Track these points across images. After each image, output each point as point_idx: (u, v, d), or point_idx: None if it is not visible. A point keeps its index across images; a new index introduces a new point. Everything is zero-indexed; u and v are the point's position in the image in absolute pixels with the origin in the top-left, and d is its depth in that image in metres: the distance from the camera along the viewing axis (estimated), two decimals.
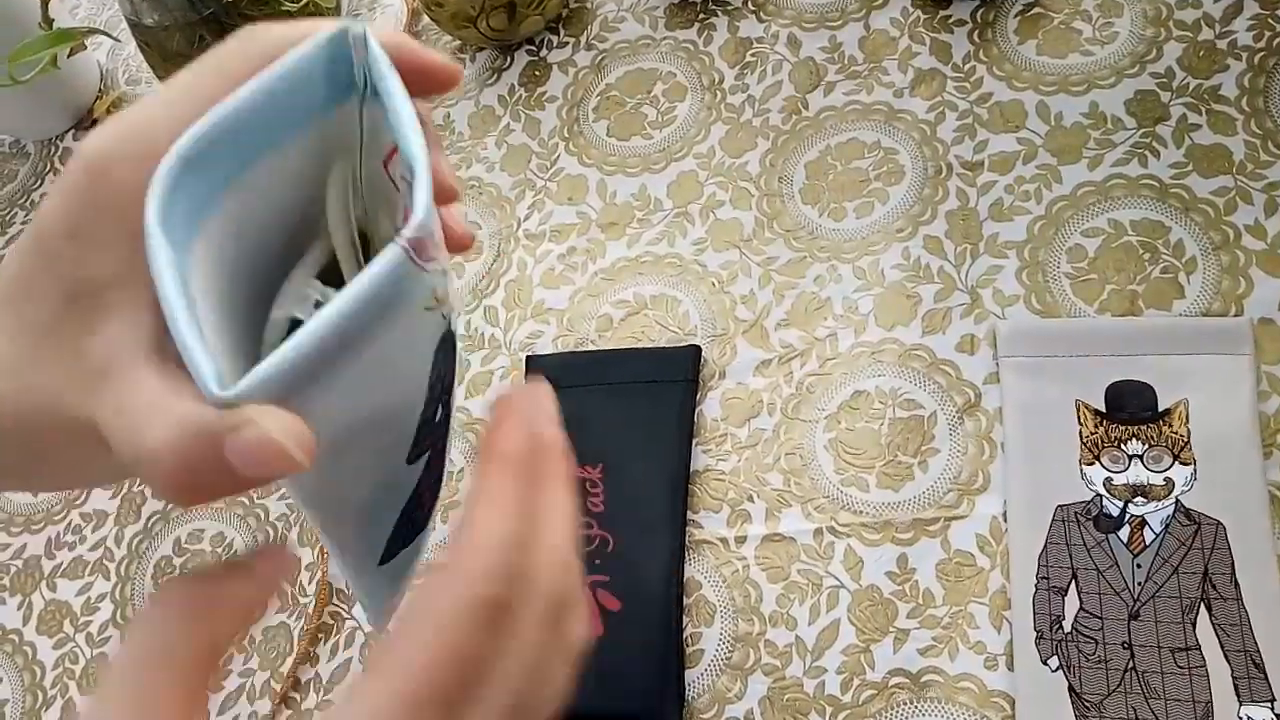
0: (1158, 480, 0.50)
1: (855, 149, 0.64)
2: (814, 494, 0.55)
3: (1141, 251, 0.55)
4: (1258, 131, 0.56)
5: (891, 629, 0.51)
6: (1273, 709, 0.45)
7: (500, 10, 0.71)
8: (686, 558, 0.56)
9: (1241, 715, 0.45)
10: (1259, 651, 0.46)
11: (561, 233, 0.68)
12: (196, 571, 0.25)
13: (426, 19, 0.78)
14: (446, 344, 0.27)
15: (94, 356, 0.23)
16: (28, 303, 0.24)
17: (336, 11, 0.78)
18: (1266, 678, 0.46)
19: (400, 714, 0.21)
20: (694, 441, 0.59)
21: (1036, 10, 0.64)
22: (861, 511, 0.54)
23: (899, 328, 0.58)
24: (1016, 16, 0.64)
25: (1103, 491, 0.50)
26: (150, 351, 0.22)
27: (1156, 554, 0.49)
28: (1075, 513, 0.50)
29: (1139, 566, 0.49)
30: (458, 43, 0.79)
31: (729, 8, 0.72)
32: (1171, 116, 0.58)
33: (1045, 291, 0.56)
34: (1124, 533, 0.50)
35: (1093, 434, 0.52)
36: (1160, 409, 0.51)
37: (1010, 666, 0.49)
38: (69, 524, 0.70)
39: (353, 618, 0.60)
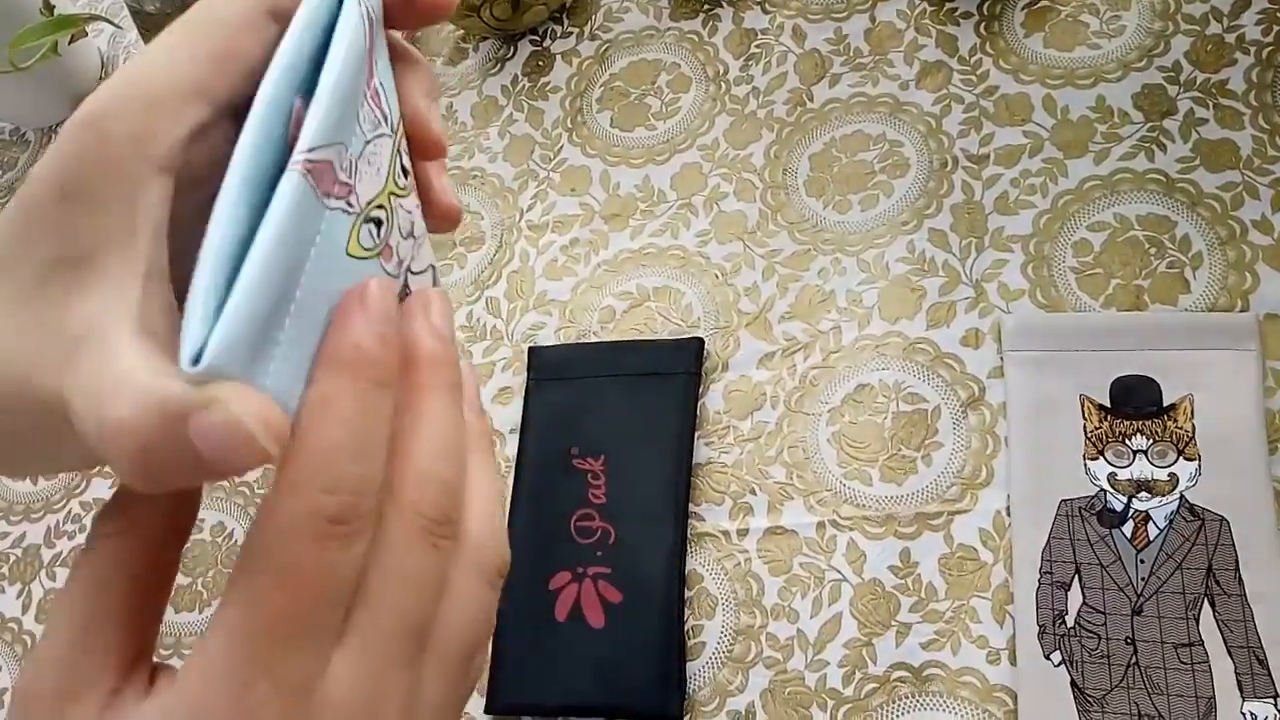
0: (1162, 475, 0.50)
1: (860, 141, 0.64)
2: (817, 487, 0.55)
3: (1147, 246, 0.55)
4: (1265, 126, 0.56)
5: (894, 623, 0.51)
6: (1275, 704, 0.45)
7: (504, 0, 0.71)
8: (688, 550, 0.56)
9: (1244, 711, 0.45)
10: (1262, 647, 0.46)
11: (564, 224, 0.68)
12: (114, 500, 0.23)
13: None
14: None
15: (73, 324, 0.21)
16: (5, 270, 0.22)
17: None
18: (1270, 673, 0.46)
19: (235, 647, 0.20)
20: (696, 434, 0.58)
21: (1043, 3, 0.64)
22: (864, 505, 0.54)
23: (903, 321, 0.58)
24: (1023, 9, 0.64)
25: (1107, 486, 0.50)
26: (135, 325, 0.21)
27: (1160, 549, 0.49)
28: (1079, 507, 0.50)
29: (1142, 562, 0.49)
30: (461, 32, 0.78)
31: None
32: (1179, 111, 0.58)
33: (1050, 285, 0.56)
34: (1128, 528, 0.49)
35: (1097, 429, 0.51)
36: (1165, 404, 0.51)
37: (1013, 661, 0.49)
38: (69, 513, 0.70)
39: None
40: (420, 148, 0.27)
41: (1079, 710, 0.47)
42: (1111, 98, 0.59)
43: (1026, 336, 0.54)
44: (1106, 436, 0.51)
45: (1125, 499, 0.50)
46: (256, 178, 0.21)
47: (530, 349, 0.64)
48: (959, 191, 0.60)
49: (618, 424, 0.59)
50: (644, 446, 0.58)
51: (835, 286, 0.60)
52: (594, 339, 0.63)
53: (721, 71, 0.70)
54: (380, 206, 0.24)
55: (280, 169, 0.21)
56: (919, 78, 0.64)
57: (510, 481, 0.60)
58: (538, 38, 0.76)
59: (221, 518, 0.66)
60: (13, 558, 0.70)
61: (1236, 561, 0.48)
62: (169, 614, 0.64)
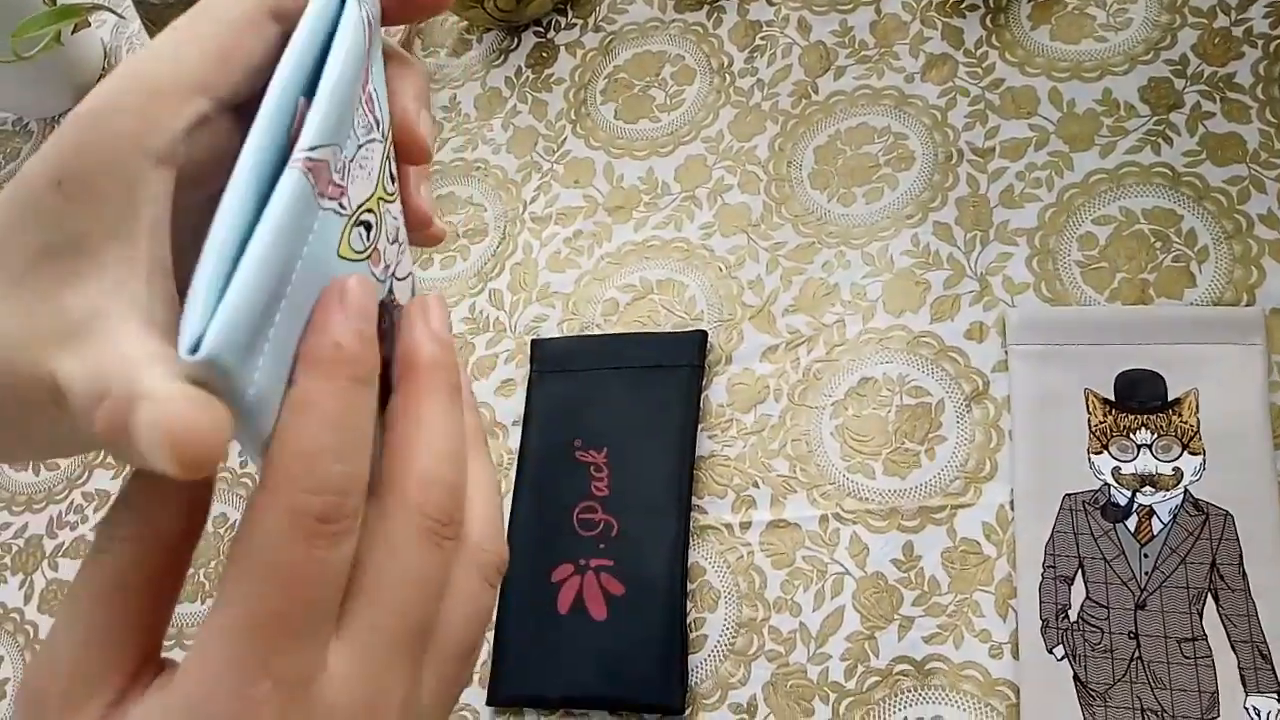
0: (1166, 470, 0.50)
1: (865, 134, 0.64)
2: (820, 480, 0.55)
3: (1153, 240, 0.55)
4: (1272, 120, 0.56)
5: (896, 616, 0.51)
6: (1278, 699, 0.45)
7: None
8: (691, 543, 0.56)
9: (1247, 705, 0.45)
10: (1265, 642, 0.46)
11: (568, 216, 0.68)
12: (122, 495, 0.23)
13: None
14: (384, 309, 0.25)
15: (73, 310, 0.21)
16: None
17: None
18: (1273, 668, 0.45)
19: (233, 645, 0.20)
20: (699, 427, 0.58)
21: None
22: (867, 498, 0.54)
23: (907, 314, 0.58)
24: (1030, 2, 0.64)
25: (1111, 481, 0.50)
26: (138, 313, 0.21)
27: (1164, 544, 0.48)
28: (1083, 502, 0.50)
29: (1146, 556, 0.49)
30: (464, 23, 0.78)
31: None
32: (1185, 104, 0.57)
33: (1055, 279, 0.56)
34: (1131, 522, 0.49)
35: (1101, 423, 0.51)
36: (1170, 398, 0.51)
37: (1015, 655, 0.49)
38: (71, 503, 0.70)
39: None
40: (405, 151, 0.27)
41: (1081, 704, 0.47)
42: (1118, 91, 0.59)
43: (1031, 330, 0.54)
44: (1111, 430, 0.51)
45: (1129, 493, 0.50)
46: (263, 173, 0.21)
47: (533, 341, 0.63)
48: (964, 185, 0.60)
49: (621, 417, 0.59)
50: (647, 439, 0.58)
51: (839, 279, 0.60)
52: (597, 331, 0.63)
53: (726, 63, 0.70)
54: (369, 210, 0.24)
55: (281, 166, 0.21)
56: (924, 70, 0.64)
57: (513, 474, 0.60)
58: (542, 29, 0.76)
59: (224, 509, 0.66)
60: (15, 548, 0.70)
61: (1240, 556, 0.47)
62: None
